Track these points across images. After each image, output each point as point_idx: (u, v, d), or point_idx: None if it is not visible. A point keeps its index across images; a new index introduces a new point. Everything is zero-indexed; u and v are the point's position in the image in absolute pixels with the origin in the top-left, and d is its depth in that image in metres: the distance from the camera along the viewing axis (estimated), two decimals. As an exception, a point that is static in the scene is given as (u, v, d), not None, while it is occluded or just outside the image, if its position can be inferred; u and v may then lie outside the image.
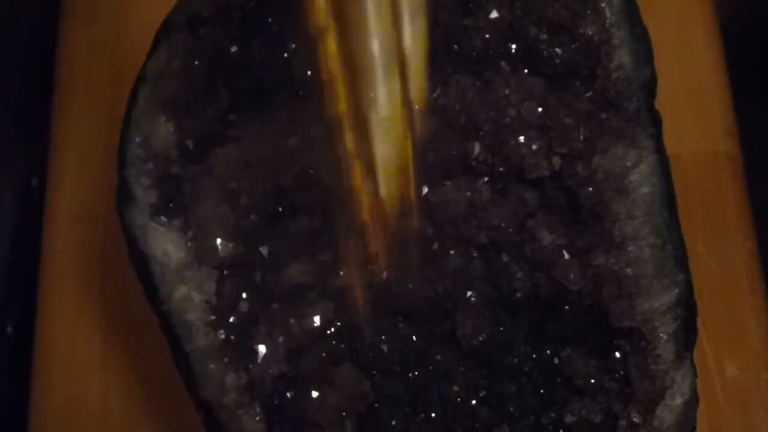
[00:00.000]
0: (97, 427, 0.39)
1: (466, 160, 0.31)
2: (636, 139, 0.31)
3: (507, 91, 0.31)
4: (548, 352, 0.31)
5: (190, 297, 0.31)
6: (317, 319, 0.31)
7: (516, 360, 0.31)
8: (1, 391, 0.42)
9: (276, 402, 0.30)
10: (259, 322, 0.31)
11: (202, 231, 0.31)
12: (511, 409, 0.31)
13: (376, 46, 0.30)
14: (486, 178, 0.32)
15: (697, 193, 0.41)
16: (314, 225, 0.31)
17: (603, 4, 0.31)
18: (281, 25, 0.31)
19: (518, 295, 0.31)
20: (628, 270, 0.31)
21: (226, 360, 0.30)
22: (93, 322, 0.40)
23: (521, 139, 0.31)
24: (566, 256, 0.31)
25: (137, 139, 0.31)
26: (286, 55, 0.32)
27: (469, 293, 0.31)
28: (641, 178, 0.31)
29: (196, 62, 0.31)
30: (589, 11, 0.31)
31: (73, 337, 0.40)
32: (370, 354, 0.31)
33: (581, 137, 0.31)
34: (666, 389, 0.31)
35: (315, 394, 0.30)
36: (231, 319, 0.31)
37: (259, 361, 0.30)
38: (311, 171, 0.31)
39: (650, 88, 0.32)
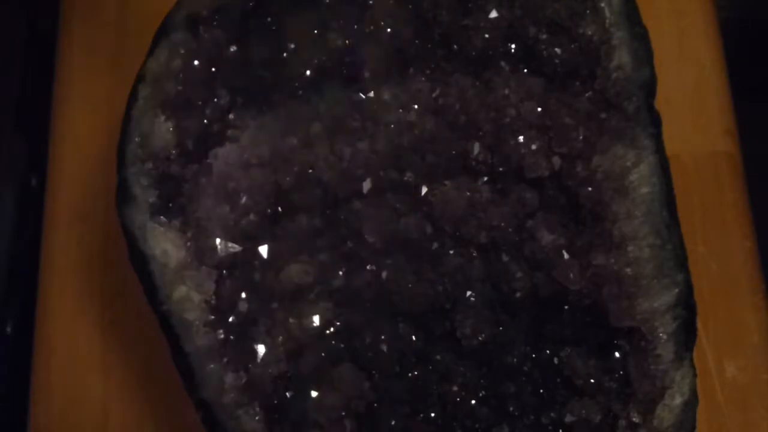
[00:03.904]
0: (97, 427, 0.39)
1: (466, 160, 0.31)
2: (636, 139, 0.31)
3: (507, 91, 0.31)
4: (548, 351, 0.31)
5: (190, 297, 0.31)
6: (317, 319, 0.31)
7: (516, 360, 0.31)
8: (1, 391, 0.42)
9: (276, 402, 0.30)
10: (259, 322, 0.31)
11: (202, 231, 0.31)
12: (511, 409, 0.31)
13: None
14: (486, 178, 0.32)
15: (696, 193, 0.41)
16: (314, 225, 0.31)
17: (603, 4, 0.31)
18: (281, 25, 0.31)
19: (518, 295, 0.31)
20: (628, 270, 0.31)
21: (225, 360, 0.30)
22: (93, 322, 0.40)
23: (521, 139, 0.31)
24: (566, 256, 0.31)
25: (137, 139, 0.31)
26: (285, 54, 0.32)
27: (469, 293, 0.31)
28: (641, 178, 0.31)
29: (196, 62, 0.31)
30: (588, 11, 0.31)
31: (73, 337, 0.40)
32: (370, 354, 0.31)
33: (581, 137, 0.31)
34: (666, 389, 0.31)
35: (315, 394, 0.30)
36: (231, 319, 0.31)
37: (258, 361, 0.30)
38: (311, 171, 0.31)
39: (650, 88, 0.32)
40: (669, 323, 0.31)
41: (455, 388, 0.31)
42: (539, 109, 0.31)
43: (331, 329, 0.31)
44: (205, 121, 0.31)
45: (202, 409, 0.31)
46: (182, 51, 0.31)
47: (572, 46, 0.31)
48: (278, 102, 0.31)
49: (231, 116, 0.31)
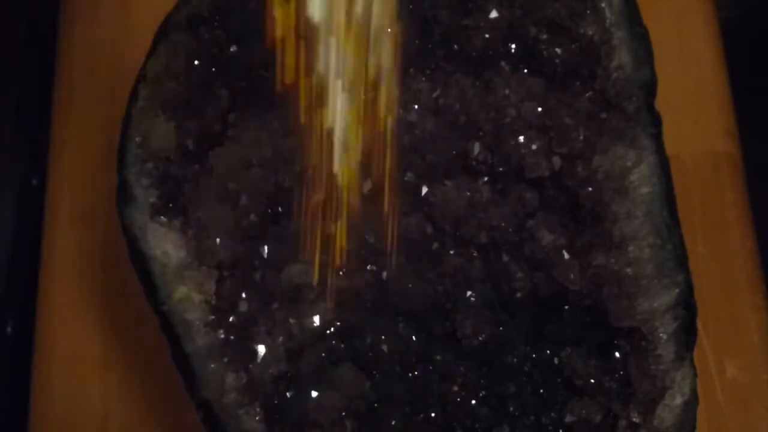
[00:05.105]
0: (97, 427, 0.39)
1: (466, 160, 0.31)
2: (636, 139, 0.31)
3: (507, 91, 0.31)
4: (548, 352, 0.31)
5: (190, 297, 0.31)
6: (317, 319, 0.31)
7: (516, 360, 0.31)
8: (1, 391, 0.42)
9: (276, 402, 0.30)
10: (259, 322, 0.31)
11: (202, 231, 0.31)
12: (511, 409, 0.31)
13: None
14: (486, 178, 0.32)
15: (696, 193, 0.41)
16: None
17: (603, 4, 0.31)
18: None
19: (518, 295, 0.31)
20: (628, 270, 0.31)
21: (226, 360, 0.30)
22: (93, 322, 0.40)
23: (521, 139, 0.31)
24: (566, 256, 0.31)
25: (137, 139, 0.31)
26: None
27: (469, 293, 0.31)
28: (641, 178, 0.31)
29: (196, 62, 0.31)
30: (589, 11, 0.31)
31: (73, 336, 0.40)
32: (370, 354, 0.31)
33: (581, 137, 0.31)
34: (666, 389, 0.31)
35: (315, 394, 0.30)
36: (231, 319, 0.31)
37: (259, 361, 0.30)
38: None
39: (650, 88, 0.32)
40: (669, 323, 0.31)
41: (455, 388, 0.31)
42: (539, 109, 0.31)
43: (331, 329, 0.31)
44: (205, 121, 0.31)
45: (203, 409, 0.31)
46: (182, 51, 0.31)
47: (572, 46, 0.31)
48: (278, 102, 0.31)
49: (231, 116, 0.31)
